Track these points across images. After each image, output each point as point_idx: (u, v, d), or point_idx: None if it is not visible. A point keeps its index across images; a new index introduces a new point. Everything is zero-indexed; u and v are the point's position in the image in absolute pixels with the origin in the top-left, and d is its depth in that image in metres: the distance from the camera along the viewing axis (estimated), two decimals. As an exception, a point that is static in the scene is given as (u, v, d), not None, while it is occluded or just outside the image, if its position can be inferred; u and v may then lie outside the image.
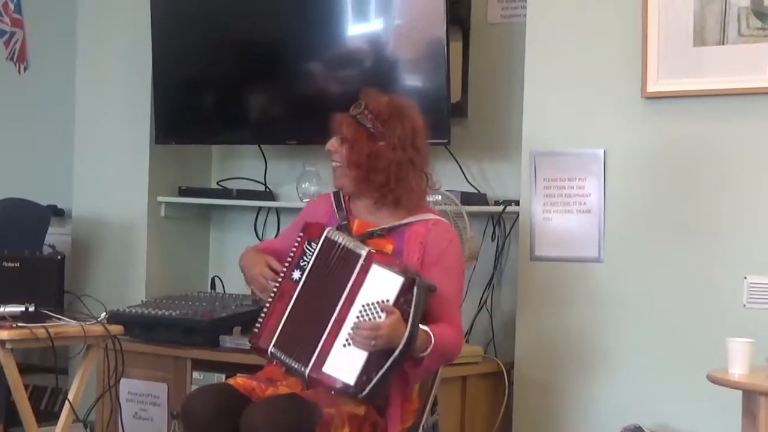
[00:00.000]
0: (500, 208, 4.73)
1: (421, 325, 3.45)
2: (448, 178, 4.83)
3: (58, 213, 5.77)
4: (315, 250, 3.59)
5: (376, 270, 3.45)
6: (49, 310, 4.15)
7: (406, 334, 3.39)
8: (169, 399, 4.69)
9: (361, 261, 3.48)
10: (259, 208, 5.41)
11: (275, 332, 3.58)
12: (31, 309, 4.09)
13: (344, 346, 3.45)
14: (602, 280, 4.32)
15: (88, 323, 4.16)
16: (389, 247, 3.62)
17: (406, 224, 3.65)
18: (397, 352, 3.40)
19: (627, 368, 4.26)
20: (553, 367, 4.40)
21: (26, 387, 4.35)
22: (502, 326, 4.77)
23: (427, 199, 3.91)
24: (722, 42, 4.10)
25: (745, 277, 4.06)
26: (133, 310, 4.86)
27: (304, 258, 3.60)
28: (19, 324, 4.01)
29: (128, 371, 4.41)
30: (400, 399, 3.59)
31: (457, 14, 4.79)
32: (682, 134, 4.19)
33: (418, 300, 3.42)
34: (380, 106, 3.65)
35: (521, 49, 4.54)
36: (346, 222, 3.69)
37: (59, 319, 4.15)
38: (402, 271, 3.43)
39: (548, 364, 4.40)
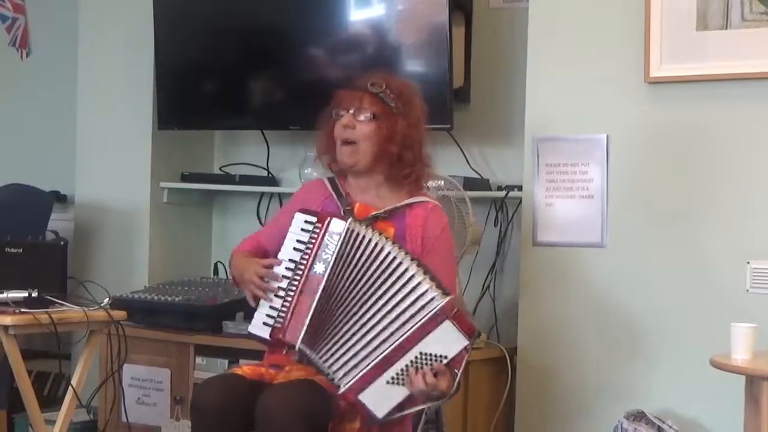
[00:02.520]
0: (503, 193, 4.73)
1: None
2: (450, 163, 4.83)
3: (60, 199, 5.76)
4: (338, 242, 3.50)
5: (447, 326, 3.38)
6: (52, 296, 4.15)
7: (452, 392, 3.39)
8: (172, 384, 4.69)
9: (435, 309, 3.39)
10: (262, 194, 5.41)
11: (302, 328, 3.49)
12: (34, 294, 4.10)
13: (388, 383, 3.41)
14: (605, 266, 4.32)
15: (91, 309, 4.17)
16: (391, 230, 3.60)
17: (405, 206, 3.65)
18: (435, 404, 3.43)
19: (630, 353, 4.26)
20: (556, 352, 4.40)
21: (29, 372, 4.36)
22: (504, 312, 4.78)
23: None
24: (725, 27, 4.09)
25: (749, 262, 4.06)
26: (136, 296, 4.87)
27: (326, 251, 3.51)
28: (23, 309, 4.02)
29: (131, 357, 4.42)
30: None
31: (460, -1, 4.79)
32: (685, 119, 4.18)
33: (468, 358, 3.41)
34: (399, 86, 3.70)
35: (524, 35, 4.53)
36: (349, 207, 3.66)
37: (62, 304, 4.15)
38: (470, 332, 3.39)
39: (551, 350, 4.41)
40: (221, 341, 4.59)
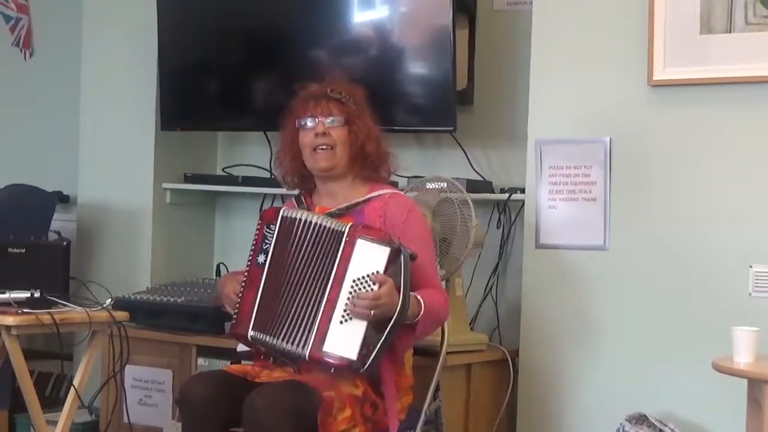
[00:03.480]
0: (506, 195, 4.73)
1: (411, 293, 3.52)
2: (453, 165, 4.84)
3: (63, 199, 5.77)
4: (274, 231, 3.64)
5: (362, 244, 3.49)
6: (54, 297, 4.15)
7: (400, 302, 3.44)
8: (174, 385, 4.69)
9: (345, 237, 3.51)
10: (265, 195, 5.41)
11: (251, 317, 3.62)
12: (37, 295, 4.09)
13: (341, 323, 3.48)
14: (607, 269, 4.31)
15: (93, 309, 4.17)
16: None
17: (363, 201, 3.72)
18: (393, 320, 3.46)
19: (632, 356, 4.26)
20: (558, 355, 4.40)
21: (31, 373, 4.36)
22: (507, 314, 4.78)
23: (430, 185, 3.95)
24: (729, 30, 4.09)
25: (751, 266, 4.06)
26: (139, 297, 4.87)
27: (266, 241, 3.66)
28: (25, 310, 4.02)
29: (133, 358, 4.42)
30: (393, 373, 3.63)
31: (463, 2, 4.77)
32: (689, 122, 4.18)
33: (405, 267, 3.47)
34: (352, 89, 3.80)
35: (527, 37, 4.53)
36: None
37: (64, 305, 4.15)
38: (387, 241, 3.48)
39: (553, 352, 4.40)
40: (223, 342, 4.58)
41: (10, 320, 3.97)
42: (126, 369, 4.45)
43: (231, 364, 4.27)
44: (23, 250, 4.36)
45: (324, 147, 3.70)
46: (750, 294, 4.06)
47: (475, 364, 4.43)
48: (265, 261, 3.64)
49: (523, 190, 4.56)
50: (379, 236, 3.51)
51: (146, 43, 5.29)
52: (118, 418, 4.65)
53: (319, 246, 3.56)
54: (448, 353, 3.92)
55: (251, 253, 3.68)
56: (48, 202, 5.39)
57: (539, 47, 4.47)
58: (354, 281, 3.48)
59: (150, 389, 4.78)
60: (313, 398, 3.44)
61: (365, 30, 4.83)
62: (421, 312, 3.55)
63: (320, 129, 3.71)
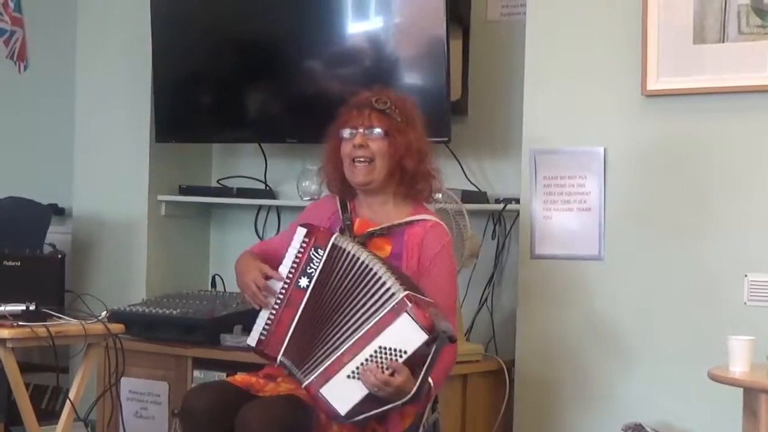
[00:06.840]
0: (500, 206, 4.73)
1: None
2: (448, 176, 4.80)
3: (58, 212, 5.76)
4: (322, 257, 3.56)
5: (405, 319, 3.37)
6: (49, 309, 4.14)
7: (413, 393, 3.37)
8: (170, 397, 4.68)
9: (394, 303, 3.39)
10: (260, 207, 5.41)
11: (284, 341, 3.56)
12: (32, 308, 4.08)
13: (348, 377, 3.42)
14: (602, 278, 4.31)
15: (88, 322, 4.16)
16: (387, 248, 3.63)
17: (405, 224, 3.66)
18: (398, 403, 3.39)
19: (627, 366, 4.26)
20: (554, 365, 4.40)
21: (27, 386, 4.35)
22: (502, 324, 4.77)
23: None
24: (722, 40, 4.10)
25: (746, 275, 4.06)
26: (134, 309, 4.86)
27: (311, 265, 3.57)
28: (20, 323, 4.01)
29: (129, 370, 4.41)
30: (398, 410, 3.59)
31: (457, 12, 4.79)
32: (683, 132, 4.19)
33: (433, 357, 3.37)
34: (400, 100, 3.71)
35: (521, 47, 4.53)
36: (349, 223, 3.69)
37: (60, 317, 4.15)
38: (429, 327, 3.35)
39: (549, 362, 4.40)
40: (219, 354, 4.58)
41: (5, 333, 3.96)
42: (122, 381, 4.45)
43: (227, 376, 4.27)
44: (18, 263, 4.37)
45: (362, 159, 3.64)
46: (745, 303, 4.06)
47: (471, 374, 4.43)
48: (308, 286, 3.55)
49: (517, 201, 4.57)
50: (424, 318, 3.36)
51: (140, 55, 5.30)
52: (114, 430, 4.64)
53: (365, 291, 3.46)
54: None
55: (292, 270, 3.59)
56: (43, 215, 5.39)
57: (533, 57, 4.48)
58: (380, 347, 3.39)
59: (146, 401, 4.77)
60: (308, 415, 3.41)
61: (359, 41, 4.84)
62: (430, 392, 3.49)
63: (359, 140, 3.64)
